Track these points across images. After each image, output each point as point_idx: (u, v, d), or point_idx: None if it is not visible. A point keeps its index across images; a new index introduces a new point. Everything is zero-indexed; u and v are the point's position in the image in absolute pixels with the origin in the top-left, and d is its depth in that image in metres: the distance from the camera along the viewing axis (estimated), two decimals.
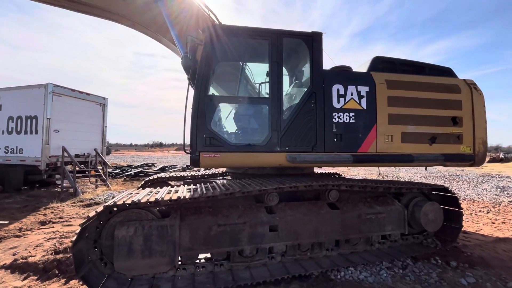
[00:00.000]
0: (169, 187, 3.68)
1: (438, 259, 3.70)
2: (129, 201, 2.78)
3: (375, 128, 3.97)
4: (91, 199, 8.67)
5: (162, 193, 3.14)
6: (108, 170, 14.38)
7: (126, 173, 14.85)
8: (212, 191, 3.09)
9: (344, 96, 3.92)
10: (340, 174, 6.18)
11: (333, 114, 3.86)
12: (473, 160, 4.24)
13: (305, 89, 3.87)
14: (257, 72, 4.22)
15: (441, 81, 4.32)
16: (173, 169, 17.75)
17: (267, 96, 3.73)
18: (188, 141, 3.57)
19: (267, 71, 3.76)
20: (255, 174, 4.21)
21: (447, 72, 4.51)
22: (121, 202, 2.76)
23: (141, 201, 2.79)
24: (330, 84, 3.90)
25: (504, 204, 7.28)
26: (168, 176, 5.79)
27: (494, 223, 5.48)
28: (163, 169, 17.35)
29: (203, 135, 3.50)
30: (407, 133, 4.08)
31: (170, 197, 2.92)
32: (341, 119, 3.87)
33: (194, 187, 3.48)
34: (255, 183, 3.41)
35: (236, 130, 3.88)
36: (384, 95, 4.04)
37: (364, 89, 3.99)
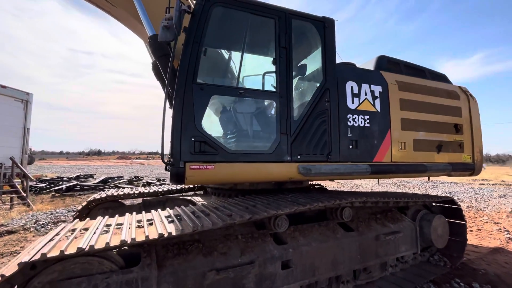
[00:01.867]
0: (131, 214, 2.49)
1: (459, 281, 3.30)
2: (70, 249, 1.59)
3: (389, 134, 3.46)
4: (1, 225, 6.41)
5: (127, 225, 1.99)
6: (31, 184, 11.43)
7: (56, 187, 12.05)
8: (209, 222, 2.06)
9: (358, 95, 3.33)
10: (322, 185, 5.65)
11: (348, 116, 3.23)
12: (473, 169, 4.08)
13: (317, 84, 3.15)
14: (258, 64, 3.36)
15: (442, 86, 4.12)
16: (118, 181, 15.25)
17: (274, 89, 2.89)
18: (167, 150, 2.48)
19: (273, 58, 2.93)
20: (247, 190, 3.28)
21: (444, 78, 4.36)
22: (52, 252, 1.56)
23: (94, 247, 1.63)
24: (344, 80, 3.27)
25: (466, 211, 7.75)
26: (121, 193, 4.40)
27: (471, 231, 5.57)
28: (105, 181, 14.73)
29: (191, 137, 2.45)
30: (418, 140, 3.69)
31: (146, 235, 1.81)
32: (356, 123, 3.26)
33: (174, 213, 2.38)
34: (261, 204, 2.50)
35: (234, 132, 2.91)
36: (396, 97, 3.59)
37: (377, 89, 3.47)
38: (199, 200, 4.19)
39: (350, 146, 3.19)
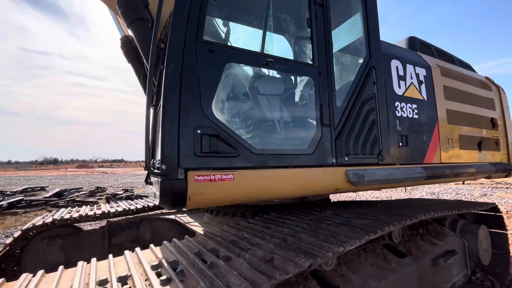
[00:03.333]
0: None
1: None
2: None
3: (437, 128, 2.77)
4: None
5: None
6: None
7: None
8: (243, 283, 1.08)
9: (404, 78, 2.59)
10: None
11: (396, 104, 2.45)
12: (511, 169, 3.58)
13: (360, 60, 2.33)
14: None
15: (474, 76, 3.58)
16: (76, 194, 13.14)
17: (310, 62, 2.00)
18: (152, 155, 1.45)
19: (307, 19, 2.05)
20: (255, 205, 2.33)
21: (470, 67, 3.86)
22: None
23: None
24: (388, 58, 2.51)
25: None
26: (75, 215, 3.19)
27: None
28: (59, 195, 12.55)
29: (196, 129, 1.45)
30: (463, 136, 3.06)
31: None
32: (404, 113, 2.50)
33: (166, 256, 1.37)
34: (306, 234, 1.59)
35: (256, 123, 1.93)
36: (440, 83, 2.93)
37: (421, 72, 2.77)
38: (187, 220, 3.13)
39: (400, 143, 2.42)
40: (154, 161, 1.67)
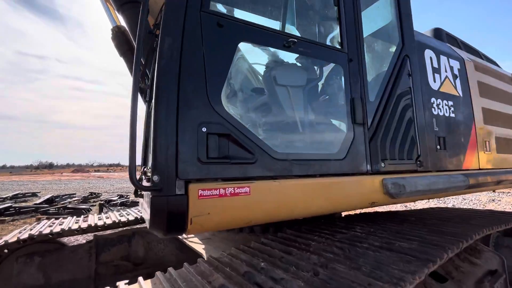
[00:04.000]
0: None
1: None
2: None
3: (474, 129, 2.41)
4: None
5: None
6: None
7: None
8: None
9: (438, 71, 2.24)
10: None
11: (432, 100, 2.10)
12: None
13: (392, 48, 1.98)
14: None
15: (503, 72, 3.25)
16: (69, 200, 12.61)
17: (339, 46, 1.64)
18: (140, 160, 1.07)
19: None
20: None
21: (495, 63, 3.53)
22: None
23: None
24: (421, 47, 2.16)
25: None
26: (57, 229, 2.79)
27: None
28: (50, 201, 12.01)
29: (200, 126, 1.08)
30: (499, 138, 2.71)
31: None
32: (440, 111, 2.14)
33: None
34: (343, 266, 1.22)
35: (275, 122, 1.54)
36: (474, 78, 2.58)
37: (455, 65, 2.42)
38: (186, 235, 2.72)
39: (438, 146, 2.05)
40: (146, 169, 1.29)
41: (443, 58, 2.31)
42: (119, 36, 2.65)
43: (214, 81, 1.14)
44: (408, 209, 2.82)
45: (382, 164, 1.64)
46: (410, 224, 2.01)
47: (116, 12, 2.54)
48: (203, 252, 2.28)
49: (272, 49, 1.51)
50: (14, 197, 13.94)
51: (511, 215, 2.70)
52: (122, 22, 2.50)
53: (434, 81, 2.15)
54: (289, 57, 1.62)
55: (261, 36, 1.33)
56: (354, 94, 1.60)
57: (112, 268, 3.15)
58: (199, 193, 1.03)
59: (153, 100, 1.05)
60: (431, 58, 2.19)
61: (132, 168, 0.96)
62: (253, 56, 1.62)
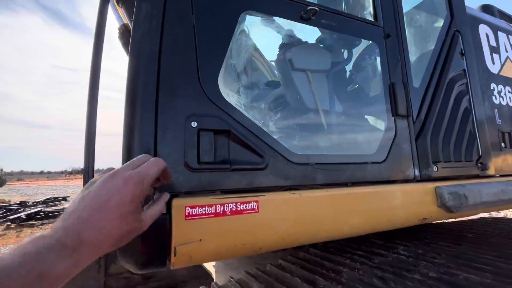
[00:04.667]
0: None
1: None
2: None
3: None
4: None
5: None
6: None
7: (13, 216, 9.82)
8: None
9: (497, 50, 1.80)
10: None
11: (492, 86, 1.67)
12: None
13: (438, 22, 1.59)
14: None
15: None
16: None
17: (372, 19, 1.30)
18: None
19: None
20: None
21: None
22: None
23: None
24: (475, 21, 1.74)
25: None
26: None
27: None
28: None
29: (190, 120, 0.80)
30: None
31: None
32: (503, 99, 1.70)
33: None
34: None
35: (291, 114, 1.22)
36: None
37: None
38: None
39: (503, 144, 1.61)
40: None
41: (502, 35, 1.86)
42: (126, 35, 2.48)
43: (208, 60, 0.85)
44: (455, 220, 2.34)
45: (435, 168, 1.26)
46: (469, 243, 1.58)
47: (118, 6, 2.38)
48: (212, 270, 2.00)
49: (287, 22, 1.19)
50: (46, 202, 14.69)
51: None
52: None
53: (493, 63, 1.72)
54: (309, 34, 1.30)
55: (272, 4, 1.02)
56: (394, 79, 1.24)
57: (122, 280, 2.96)
58: (187, 211, 0.74)
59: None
60: (487, 34, 1.76)
61: (87, 176, 0.69)
62: (262, 32, 1.32)
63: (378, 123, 1.24)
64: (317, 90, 1.21)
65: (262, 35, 1.34)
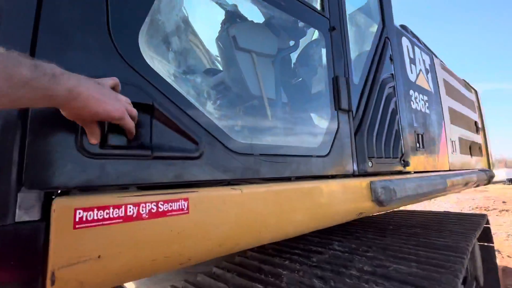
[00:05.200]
0: None
1: None
2: None
3: (444, 128, 2.29)
4: None
5: None
6: None
7: None
8: None
9: (414, 62, 2.04)
10: None
11: (410, 93, 1.87)
12: (493, 176, 3.37)
13: (373, 28, 1.68)
14: None
15: (457, 76, 3.33)
16: None
17: (320, 8, 1.25)
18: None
19: None
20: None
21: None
22: None
23: None
24: (399, 33, 1.93)
25: None
26: None
27: None
28: None
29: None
30: (461, 139, 2.67)
31: None
32: (418, 105, 1.93)
33: None
34: None
35: (234, 96, 1.05)
36: (440, 76, 2.49)
37: (427, 60, 2.28)
38: None
39: (418, 144, 1.82)
40: None
41: (417, 50, 2.13)
42: None
43: (125, 3, 0.62)
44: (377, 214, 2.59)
45: (369, 163, 1.29)
46: (392, 234, 1.72)
47: None
48: (132, 286, 1.67)
49: None
50: None
51: (474, 216, 2.66)
52: None
53: (411, 72, 1.93)
54: (254, 14, 1.17)
55: None
56: (338, 72, 1.22)
57: None
58: (78, 216, 0.50)
59: None
60: (407, 47, 1.98)
61: None
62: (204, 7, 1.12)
63: (322, 116, 1.19)
64: (262, 74, 1.09)
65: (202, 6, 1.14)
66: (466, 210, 8.18)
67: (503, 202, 9.22)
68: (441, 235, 1.63)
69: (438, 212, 2.88)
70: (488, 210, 8.08)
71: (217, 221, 0.70)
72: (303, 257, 1.29)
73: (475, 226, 1.96)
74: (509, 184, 20.07)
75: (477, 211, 7.96)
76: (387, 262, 1.19)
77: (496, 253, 4.43)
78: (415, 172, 1.80)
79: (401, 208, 2.43)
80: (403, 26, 2.72)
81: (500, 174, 22.25)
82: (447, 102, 2.46)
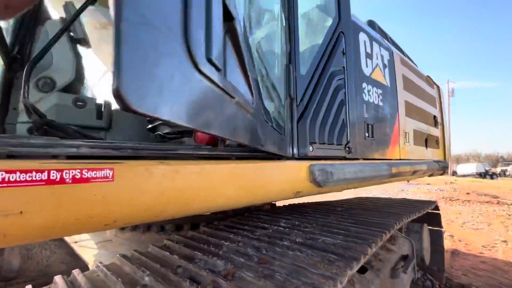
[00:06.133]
0: None
1: None
2: None
3: (398, 120, 2.46)
4: None
5: None
6: None
7: None
8: None
9: (371, 57, 2.16)
10: None
11: (363, 86, 2.00)
12: (447, 167, 3.65)
13: (327, 22, 1.77)
14: None
15: (421, 72, 3.52)
16: None
17: None
18: None
19: None
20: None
21: (415, 63, 3.83)
22: None
23: None
24: (356, 29, 2.04)
25: None
26: None
27: None
28: None
29: None
30: (416, 131, 2.87)
31: None
32: (370, 98, 2.07)
33: None
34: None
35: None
36: (399, 71, 2.65)
37: (385, 55, 2.42)
38: (80, 237, 2.14)
39: (367, 134, 1.97)
40: None
41: (376, 46, 2.26)
42: None
43: None
44: (334, 199, 2.79)
45: (311, 148, 1.42)
46: (337, 215, 1.89)
47: None
48: (92, 259, 1.76)
49: None
50: None
51: (422, 202, 2.91)
52: None
53: (367, 66, 2.06)
54: None
55: None
56: (287, 61, 1.32)
57: None
58: (1, 176, 0.58)
59: None
60: (365, 42, 2.10)
61: None
62: None
63: (269, 100, 1.29)
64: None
65: None
66: (433, 198, 8.73)
67: (467, 193, 9.91)
68: (379, 216, 1.82)
69: (394, 199, 3.13)
70: (452, 200, 8.68)
71: (142, 190, 0.79)
72: (248, 232, 1.42)
73: (413, 210, 2.18)
74: (477, 177, 21.41)
75: (442, 201, 8.54)
76: (319, 235, 1.34)
77: (450, 237, 4.86)
78: (364, 159, 1.97)
79: (370, 196, 2.62)
80: (370, 22, 2.84)
81: (471, 168, 23.65)
82: (404, 96, 2.64)
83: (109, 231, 2.02)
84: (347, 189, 1.96)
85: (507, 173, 25.84)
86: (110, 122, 1.65)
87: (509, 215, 6.62)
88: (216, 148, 1.09)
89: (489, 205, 8.00)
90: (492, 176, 22.11)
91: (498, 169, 28.04)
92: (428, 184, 13.95)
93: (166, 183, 0.84)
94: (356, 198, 3.15)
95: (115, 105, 1.71)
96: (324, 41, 1.66)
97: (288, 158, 1.32)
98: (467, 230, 5.37)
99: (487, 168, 23.83)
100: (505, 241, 4.60)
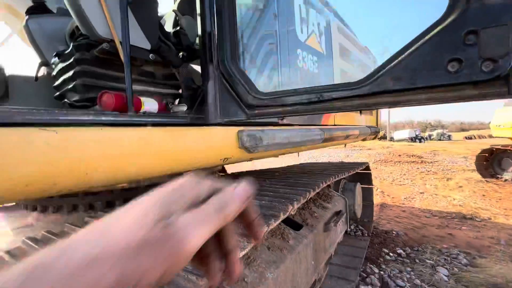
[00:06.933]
0: None
1: (387, 251, 3.10)
2: None
3: None
4: None
5: None
6: None
7: None
8: None
9: (306, 22, 2.15)
10: None
11: (298, 52, 2.01)
12: (378, 132, 4.06)
13: None
14: None
15: (358, 41, 3.69)
16: None
17: None
18: None
19: None
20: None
21: (353, 33, 3.99)
22: None
23: None
24: None
25: None
26: None
27: None
28: None
29: None
30: None
31: None
32: (305, 64, 2.11)
33: None
34: None
35: None
36: (336, 40, 2.72)
37: (322, 22, 2.44)
38: None
39: None
40: None
41: (312, 11, 2.25)
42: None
43: None
44: (280, 166, 2.91)
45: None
46: (273, 179, 1.98)
47: None
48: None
49: None
50: None
51: (356, 164, 3.22)
52: None
53: (302, 32, 2.06)
54: None
55: None
56: (209, 28, 1.23)
57: None
58: None
59: None
60: (300, 6, 2.06)
61: None
62: None
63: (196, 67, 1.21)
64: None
65: None
66: (372, 161, 9.83)
67: (399, 155, 11.39)
68: (310, 178, 1.96)
69: (332, 162, 3.41)
70: (387, 162, 9.89)
71: (20, 161, 0.68)
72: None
73: (343, 170, 2.40)
74: (410, 141, 24.57)
75: (379, 163, 9.69)
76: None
77: (381, 193, 5.58)
78: (298, 125, 2.05)
79: (315, 160, 2.77)
80: None
81: (404, 134, 26.94)
82: (340, 65, 2.75)
83: (30, 216, 1.82)
84: (281, 154, 2.04)
85: (432, 137, 30.21)
86: (6, 90, 1.39)
87: (428, 171, 7.84)
88: (126, 114, 1.00)
89: (415, 164, 9.34)
90: (421, 140, 25.62)
91: (426, 134, 32.54)
92: (369, 149, 15.58)
93: (54, 153, 0.74)
94: (300, 164, 3.34)
95: (11, 71, 1.43)
96: (253, 2, 1.58)
97: (213, 125, 1.29)
98: (395, 186, 6.23)
99: (417, 133, 27.42)
100: (422, 193, 5.48)
